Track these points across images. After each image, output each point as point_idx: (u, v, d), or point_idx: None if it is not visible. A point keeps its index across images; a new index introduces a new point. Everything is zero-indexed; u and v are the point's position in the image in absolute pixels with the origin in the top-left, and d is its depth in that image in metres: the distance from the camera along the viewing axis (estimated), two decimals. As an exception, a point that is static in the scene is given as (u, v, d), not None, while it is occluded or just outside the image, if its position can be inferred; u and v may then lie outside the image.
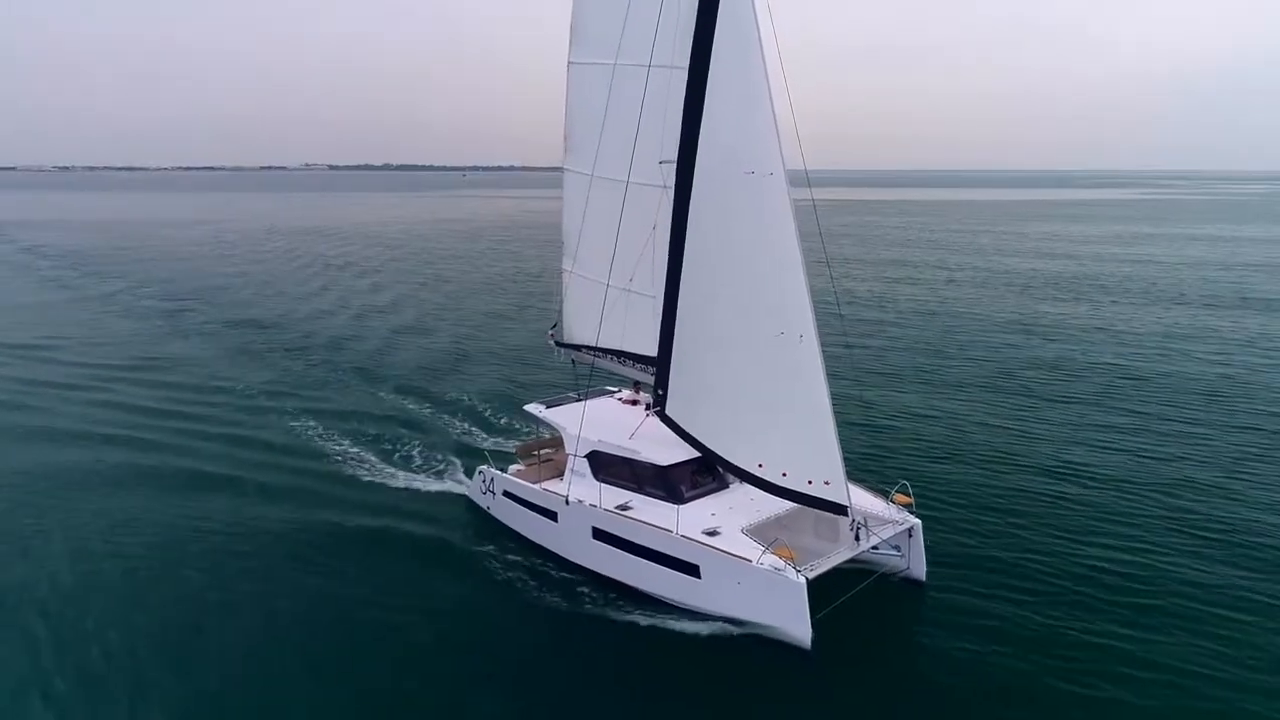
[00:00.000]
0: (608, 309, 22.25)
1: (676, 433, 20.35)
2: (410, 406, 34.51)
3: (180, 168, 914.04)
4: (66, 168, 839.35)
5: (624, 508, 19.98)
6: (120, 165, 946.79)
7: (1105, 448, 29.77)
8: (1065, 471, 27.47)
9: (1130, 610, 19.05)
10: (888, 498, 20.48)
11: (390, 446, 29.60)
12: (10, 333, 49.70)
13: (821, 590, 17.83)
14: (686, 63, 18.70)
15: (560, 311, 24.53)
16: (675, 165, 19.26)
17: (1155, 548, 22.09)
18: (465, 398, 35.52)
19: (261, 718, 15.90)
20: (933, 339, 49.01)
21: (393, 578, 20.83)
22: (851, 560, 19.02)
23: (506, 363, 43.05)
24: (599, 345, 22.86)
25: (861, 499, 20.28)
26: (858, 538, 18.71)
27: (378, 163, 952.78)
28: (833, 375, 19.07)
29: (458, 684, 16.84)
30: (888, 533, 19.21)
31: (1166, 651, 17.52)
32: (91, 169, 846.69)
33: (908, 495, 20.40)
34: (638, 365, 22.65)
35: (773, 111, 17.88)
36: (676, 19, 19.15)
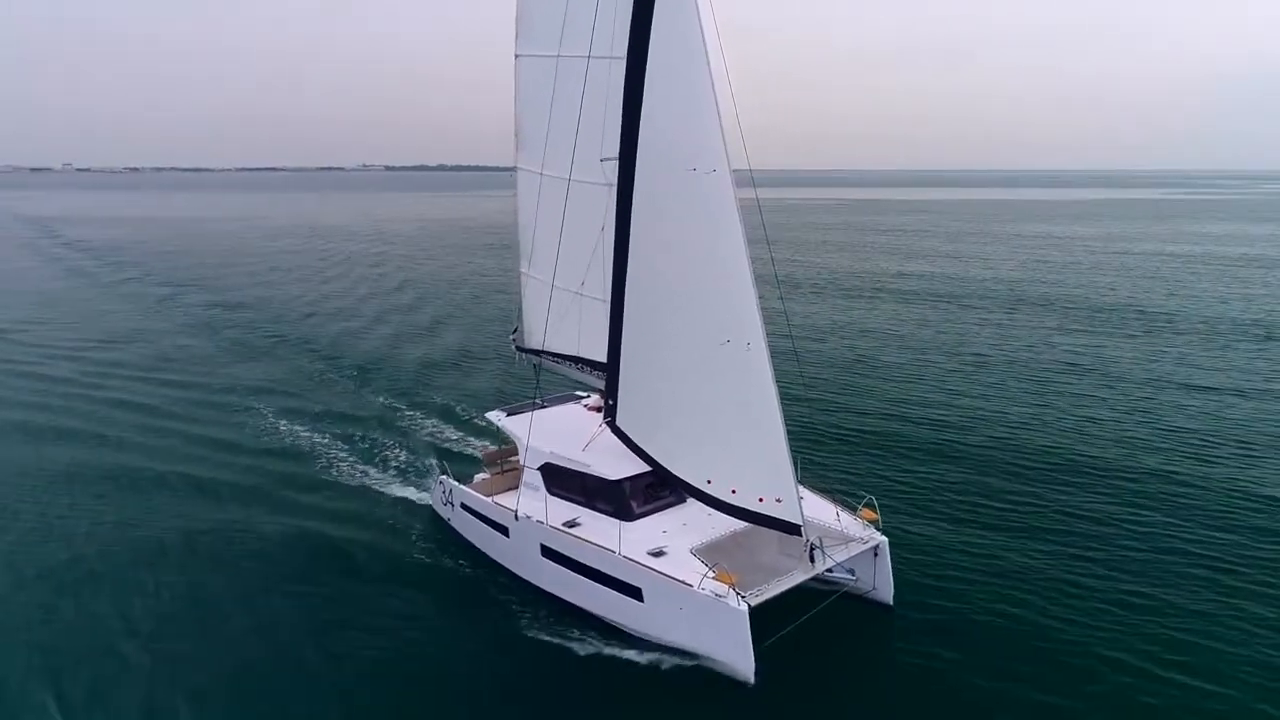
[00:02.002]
0: (563, 313, 21.21)
1: (627, 445, 19.24)
2: (397, 407, 33.93)
3: (243, 168, 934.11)
4: (136, 169, 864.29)
5: (571, 524, 18.98)
6: (186, 166, 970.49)
7: (1093, 448, 28.68)
8: (1050, 479, 26.10)
9: (1143, 639, 17.70)
10: (855, 511, 19.16)
11: (369, 449, 29.06)
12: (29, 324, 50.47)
13: (776, 614, 16.68)
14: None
15: (519, 315, 23.55)
16: (618, 162, 18.07)
17: (1157, 559, 20.62)
18: (455, 400, 34.80)
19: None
20: (898, 344, 46.66)
21: (342, 592, 20.14)
22: (813, 580, 17.78)
23: (508, 362, 42.32)
24: (553, 350, 21.84)
25: (824, 513, 19.01)
26: (812, 559, 17.41)
27: (432, 163, 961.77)
28: (785, 385, 17.91)
29: (377, 706, 16.05)
30: (848, 553, 17.85)
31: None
32: (159, 169, 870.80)
33: (874, 510, 19.03)
34: (594, 372, 21.56)
35: (716, 104, 16.57)
36: (616, 6, 17.92)
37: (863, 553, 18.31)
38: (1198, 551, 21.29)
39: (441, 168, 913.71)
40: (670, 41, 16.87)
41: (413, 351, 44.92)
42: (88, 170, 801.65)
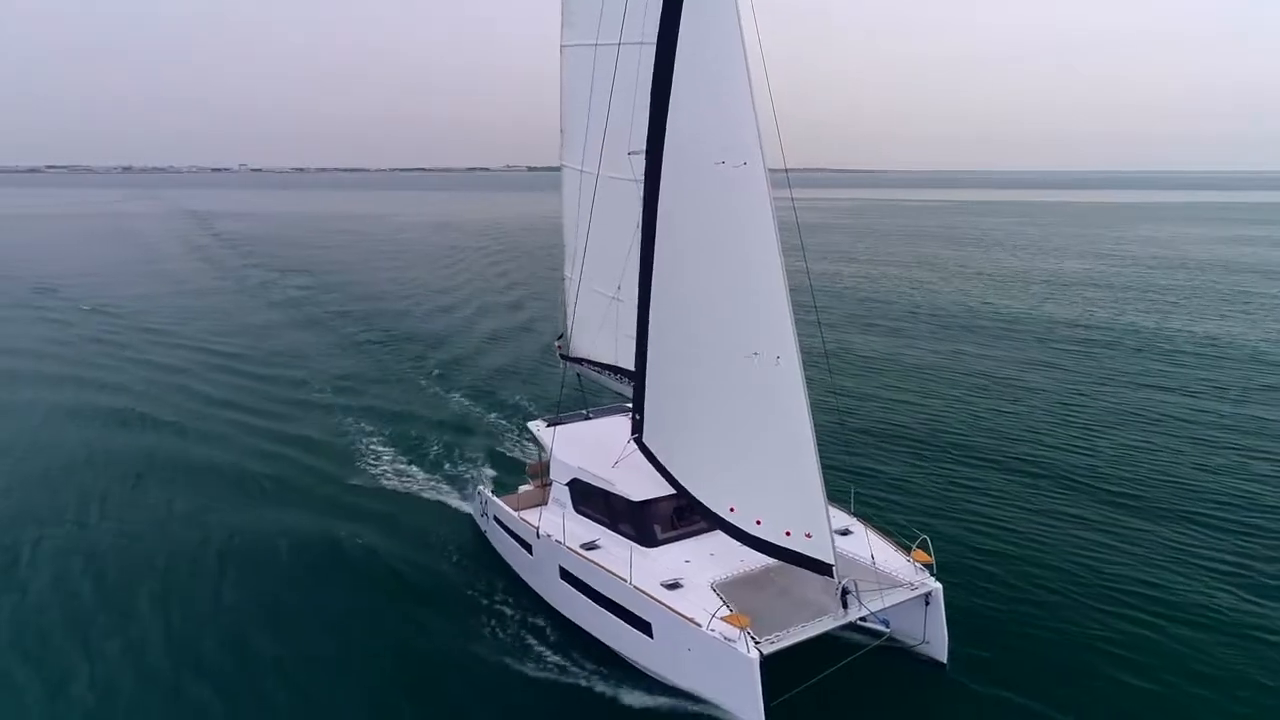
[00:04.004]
0: (600, 319, 19.93)
1: (653, 464, 17.74)
2: (474, 411, 33.54)
3: (395, 169, 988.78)
4: (301, 169, 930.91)
5: (590, 546, 17.63)
6: (345, 167, 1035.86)
7: (1205, 501, 24.23)
8: (1152, 532, 22.27)
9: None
10: (909, 552, 16.86)
11: (429, 453, 28.68)
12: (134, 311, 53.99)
13: (807, 664, 14.88)
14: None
15: (564, 321, 22.39)
16: (645, 156, 16.63)
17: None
18: (532, 405, 34.09)
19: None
20: (954, 361, 41.87)
21: (361, 594, 19.80)
22: (849, 629, 15.69)
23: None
24: (593, 359, 20.58)
25: (874, 552, 16.79)
26: (845, 604, 15.27)
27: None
28: (831, 406, 15.94)
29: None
30: (892, 599, 15.58)
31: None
32: (321, 170, 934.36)
33: (928, 553, 16.63)
34: (629, 382, 20.12)
35: (750, 90, 14.84)
36: (651, -14, 16.47)
37: (911, 601, 16.01)
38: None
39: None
40: (702, 21, 15.30)
41: (502, 352, 44.81)
42: (260, 170, 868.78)
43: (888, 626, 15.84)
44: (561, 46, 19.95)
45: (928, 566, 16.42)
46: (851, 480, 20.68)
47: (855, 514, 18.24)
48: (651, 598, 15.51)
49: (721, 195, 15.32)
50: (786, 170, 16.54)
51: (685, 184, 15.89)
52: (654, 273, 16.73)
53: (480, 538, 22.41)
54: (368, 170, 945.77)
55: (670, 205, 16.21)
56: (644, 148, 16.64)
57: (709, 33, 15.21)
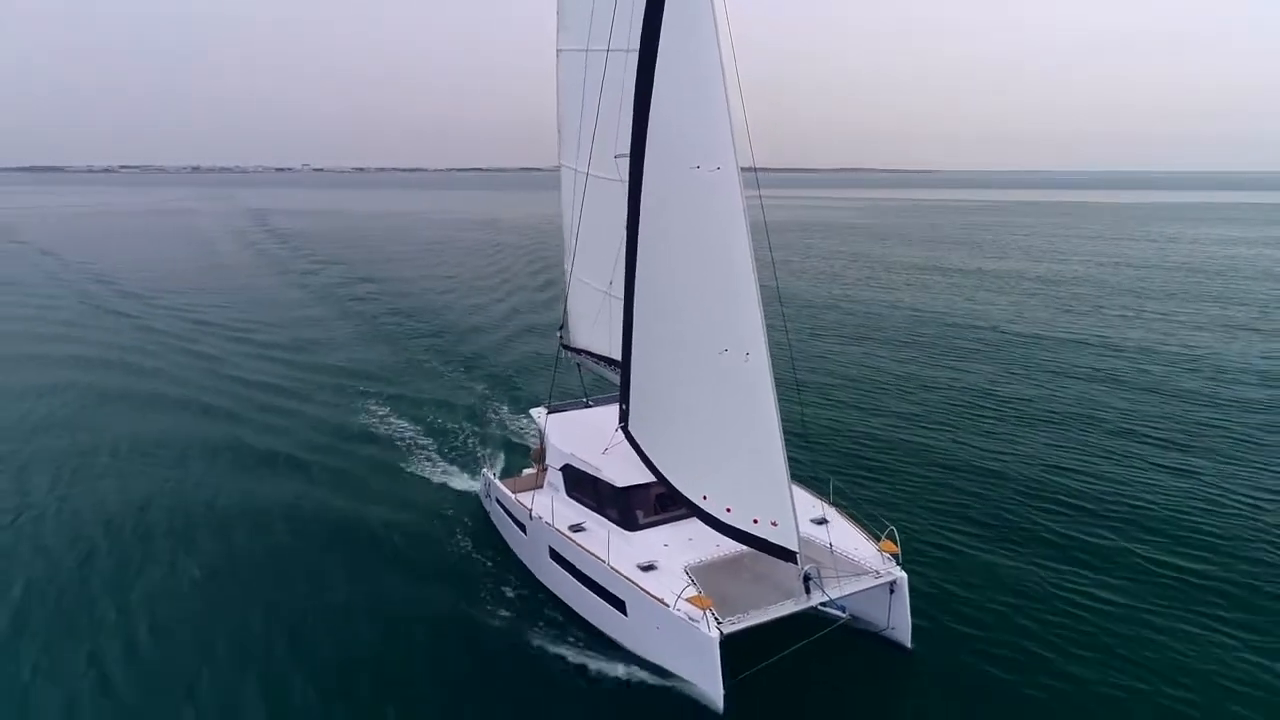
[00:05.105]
0: (595, 312, 20.87)
1: (637, 452, 18.62)
2: (492, 399, 34.80)
3: (451, 169, 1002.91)
4: (361, 169, 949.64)
5: (577, 528, 18.64)
6: (406, 166, 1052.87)
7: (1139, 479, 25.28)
8: (1112, 527, 22.62)
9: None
10: (877, 542, 17.52)
11: (446, 438, 29.97)
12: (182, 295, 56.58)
13: (775, 645, 15.75)
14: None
15: (565, 313, 23.39)
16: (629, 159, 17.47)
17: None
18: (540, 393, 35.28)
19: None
20: (923, 356, 42.24)
21: (361, 566, 21.02)
22: (817, 613, 16.42)
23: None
24: (589, 350, 21.53)
25: (844, 541, 17.51)
26: (808, 590, 16.02)
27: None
28: (804, 399, 16.57)
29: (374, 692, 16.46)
30: (853, 587, 16.28)
31: None
32: (381, 169, 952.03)
33: (895, 543, 17.27)
34: (618, 372, 21.01)
35: (725, 100, 15.60)
36: (635, -3, 17.28)
37: (877, 589, 16.69)
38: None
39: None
40: (681, 33, 16.06)
41: (527, 343, 46.10)
42: (321, 170, 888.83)
43: (844, 612, 16.52)
44: (557, 50, 20.87)
45: (894, 556, 17.07)
46: (830, 472, 21.39)
47: (833, 504, 18.94)
48: (626, 578, 16.45)
49: (696, 198, 16.08)
50: (756, 170, 17.21)
51: (664, 186, 16.67)
52: (637, 270, 17.58)
53: (485, 518, 23.60)
54: (426, 170, 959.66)
55: (651, 206, 17.01)
56: (628, 151, 17.48)
57: (686, 44, 15.94)
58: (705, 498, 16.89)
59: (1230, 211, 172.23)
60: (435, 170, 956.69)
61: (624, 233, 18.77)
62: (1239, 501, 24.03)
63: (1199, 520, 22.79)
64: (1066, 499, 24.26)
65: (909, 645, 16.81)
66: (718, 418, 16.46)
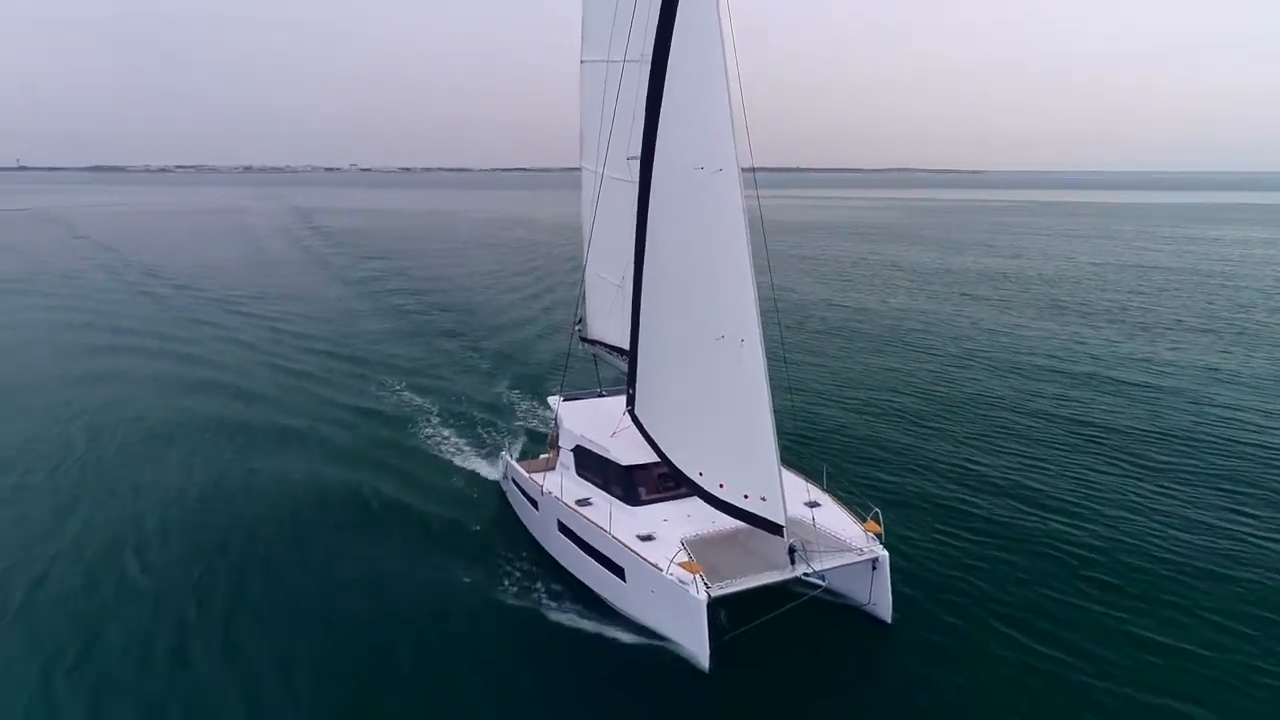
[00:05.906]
0: (611, 305, 22.31)
1: (641, 433, 20.02)
2: (517, 391, 36.44)
3: (495, 169, 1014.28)
4: (408, 169, 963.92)
5: (584, 503, 20.06)
6: (451, 166, 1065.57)
7: (1114, 471, 26.53)
8: (1077, 505, 24.09)
9: (1168, 681, 16.36)
10: (864, 521, 18.71)
11: (471, 426, 31.70)
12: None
13: (762, 613, 17.06)
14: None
15: (581, 306, 24.89)
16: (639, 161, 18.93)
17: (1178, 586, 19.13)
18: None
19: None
20: (913, 349, 44.24)
21: (382, 540, 22.59)
22: (803, 585, 17.63)
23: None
24: (605, 341, 22.97)
25: (833, 521, 18.71)
26: (793, 561, 17.26)
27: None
28: (788, 387, 17.84)
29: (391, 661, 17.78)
30: (835, 561, 17.48)
31: None
32: (427, 169, 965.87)
33: (878, 524, 18.44)
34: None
35: (729, 106, 16.99)
36: (650, 11, 18.76)
37: (859, 565, 17.87)
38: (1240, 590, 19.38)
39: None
40: (688, 46, 17.48)
41: (554, 336, 47.67)
42: (369, 170, 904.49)
43: (823, 580, 17.69)
44: (581, 61, 22.41)
45: (877, 536, 18.23)
46: (824, 460, 22.61)
47: (826, 489, 20.14)
48: (625, 546, 17.85)
49: (699, 197, 17.49)
50: (754, 170, 18.55)
51: (671, 186, 18.10)
52: (644, 263, 19.00)
53: (503, 498, 25.12)
54: (470, 170, 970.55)
55: (658, 204, 18.46)
56: (639, 154, 18.95)
57: (694, 56, 17.37)
58: (701, 474, 18.23)
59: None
60: (480, 170, 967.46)
61: (632, 230, 20.31)
62: (1213, 489, 25.40)
63: (1174, 506, 23.94)
64: (1046, 494, 25.35)
65: (889, 620, 17.94)
66: (713, 399, 17.81)
